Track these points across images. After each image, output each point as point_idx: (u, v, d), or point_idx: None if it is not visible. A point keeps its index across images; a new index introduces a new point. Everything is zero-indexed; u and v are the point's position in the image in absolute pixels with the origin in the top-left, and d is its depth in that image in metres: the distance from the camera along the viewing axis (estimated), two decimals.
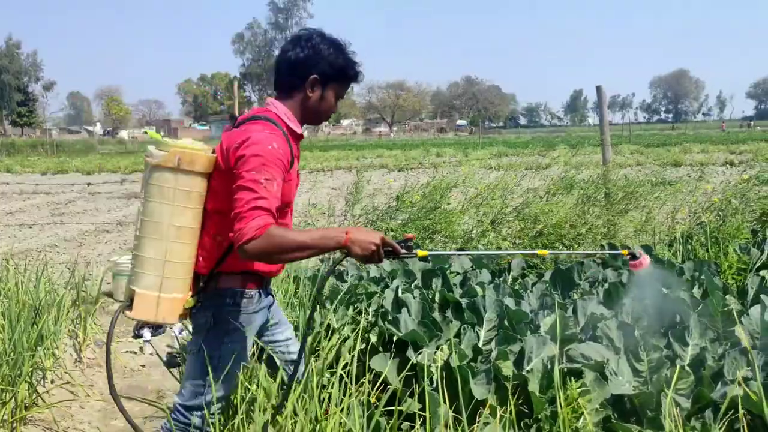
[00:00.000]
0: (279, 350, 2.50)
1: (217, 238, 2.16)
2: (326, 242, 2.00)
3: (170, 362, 4.02)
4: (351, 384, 2.26)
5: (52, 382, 3.52)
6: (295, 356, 2.51)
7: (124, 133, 73.96)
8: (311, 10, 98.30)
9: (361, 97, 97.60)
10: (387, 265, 4.14)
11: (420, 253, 2.16)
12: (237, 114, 6.17)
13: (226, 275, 2.18)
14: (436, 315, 3.35)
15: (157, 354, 3.80)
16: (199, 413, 2.18)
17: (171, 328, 4.68)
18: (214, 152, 2.14)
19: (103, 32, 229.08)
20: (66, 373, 3.68)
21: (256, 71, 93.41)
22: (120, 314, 2.22)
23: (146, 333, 4.53)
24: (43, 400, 3.25)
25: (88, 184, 16.93)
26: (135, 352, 4.41)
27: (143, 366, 4.20)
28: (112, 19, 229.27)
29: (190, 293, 2.17)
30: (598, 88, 5.94)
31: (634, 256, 2.59)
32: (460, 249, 4.84)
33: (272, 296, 2.44)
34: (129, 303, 2.14)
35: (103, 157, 31.49)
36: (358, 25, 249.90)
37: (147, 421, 3.21)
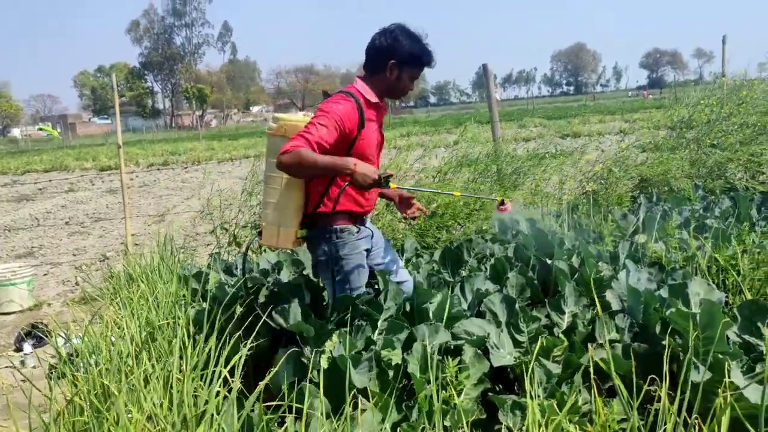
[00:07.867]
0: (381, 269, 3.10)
1: (318, 188, 2.79)
2: (337, 167, 2.53)
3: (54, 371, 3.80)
4: (235, 381, 2.20)
5: None
6: (397, 276, 3.14)
7: (16, 131, 69.30)
8: None
9: (269, 83, 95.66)
10: (273, 256, 4.11)
11: (392, 185, 2.68)
12: (118, 106, 5.89)
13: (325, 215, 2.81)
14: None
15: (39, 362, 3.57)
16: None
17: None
18: None
19: None
20: None
21: (157, 59, 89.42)
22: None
23: (27, 346, 4.27)
24: None
25: None
26: (15, 367, 4.15)
27: (24, 381, 3.94)
28: None
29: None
30: (484, 66, 6.00)
31: (502, 203, 3.16)
32: None
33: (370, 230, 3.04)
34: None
35: None
36: (260, 7, 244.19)
37: None
